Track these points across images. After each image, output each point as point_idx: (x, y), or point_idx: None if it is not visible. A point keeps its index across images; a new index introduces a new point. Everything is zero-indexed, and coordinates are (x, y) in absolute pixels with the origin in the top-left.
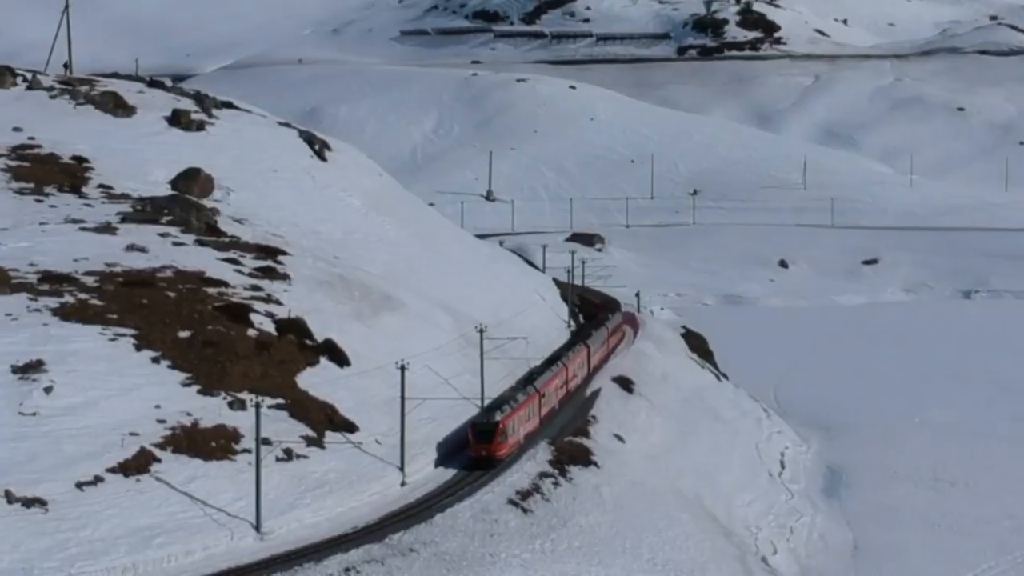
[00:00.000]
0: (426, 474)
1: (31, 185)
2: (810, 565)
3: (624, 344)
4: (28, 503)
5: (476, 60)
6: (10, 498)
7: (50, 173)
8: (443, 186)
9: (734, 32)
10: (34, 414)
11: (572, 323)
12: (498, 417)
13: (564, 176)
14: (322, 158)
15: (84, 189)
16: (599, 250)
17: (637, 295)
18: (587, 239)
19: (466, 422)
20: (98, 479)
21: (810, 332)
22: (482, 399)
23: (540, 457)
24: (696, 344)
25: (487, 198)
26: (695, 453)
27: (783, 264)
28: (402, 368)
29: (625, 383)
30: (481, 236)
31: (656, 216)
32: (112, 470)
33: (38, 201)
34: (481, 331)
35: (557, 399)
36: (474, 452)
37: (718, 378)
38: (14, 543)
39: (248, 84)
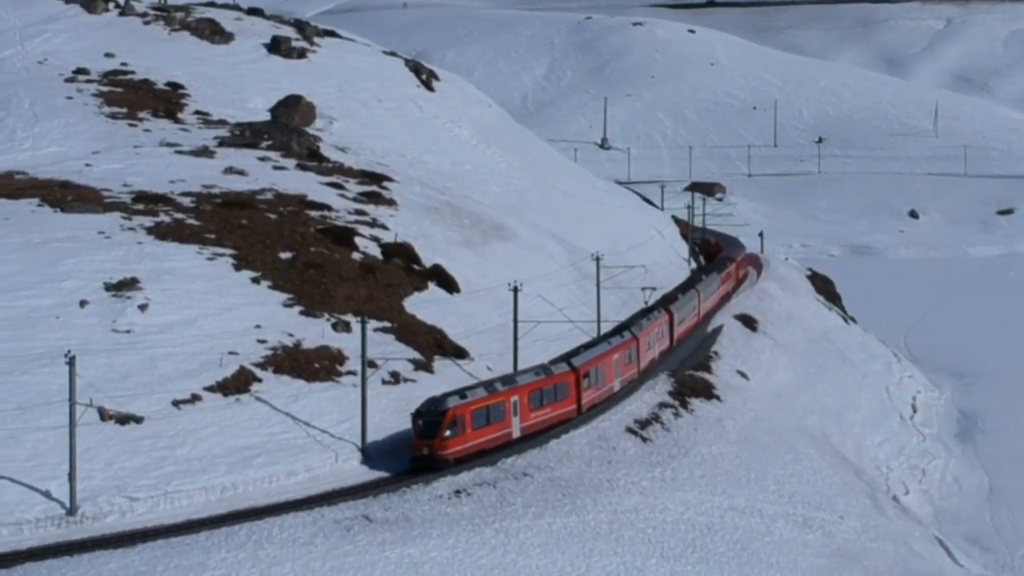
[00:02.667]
0: None
1: (124, 110)
2: (943, 507)
3: (747, 283)
4: (122, 420)
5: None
6: (103, 415)
7: (144, 99)
8: (555, 134)
9: None
10: (128, 331)
11: (692, 261)
12: (449, 404)
13: (683, 123)
14: (429, 88)
15: (179, 115)
16: (720, 199)
17: (760, 235)
18: (707, 188)
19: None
20: (195, 397)
21: (942, 283)
22: (598, 327)
23: (660, 388)
24: (822, 287)
25: (602, 146)
26: (822, 393)
27: (913, 214)
28: (515, 290)
29: (749, 321)
30: None
31: (779, 165)
32: (210, 389)
33: (131, 126)
34: (598, 258)
35: (618, 379)
36: (415, 449)
37: (846, 321)
38: (107, 460)
39: (350, 28)
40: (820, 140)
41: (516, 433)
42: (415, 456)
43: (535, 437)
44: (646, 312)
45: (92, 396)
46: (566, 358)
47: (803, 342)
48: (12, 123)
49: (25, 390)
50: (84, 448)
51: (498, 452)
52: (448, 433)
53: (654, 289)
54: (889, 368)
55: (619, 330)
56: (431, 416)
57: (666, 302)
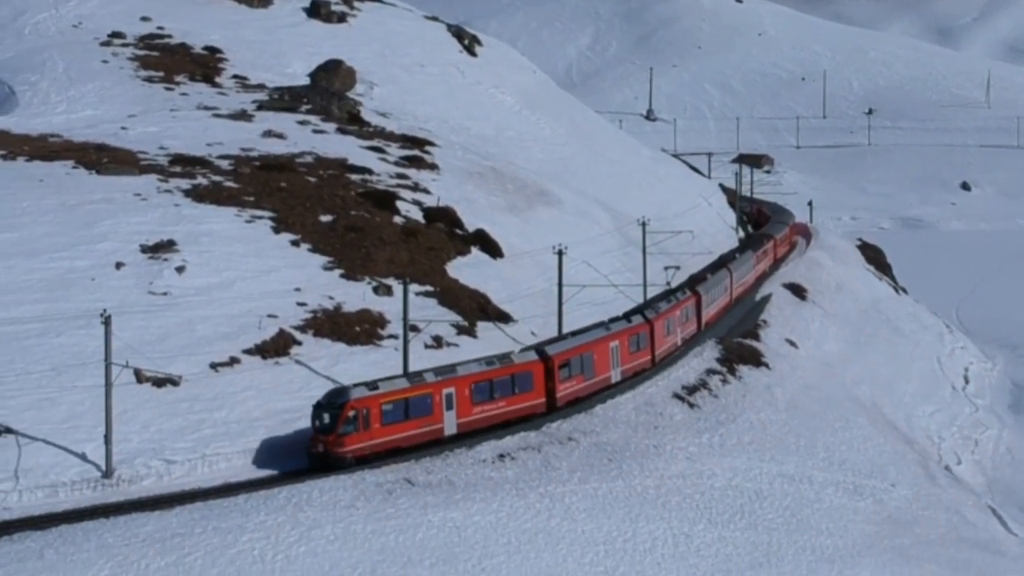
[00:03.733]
0: None
1: (160, 74)
2: (996, 477)
3: (796, 253)
4: (159, 383)
5: None
6: (139, 378)
7: (181, 63)
8: (600, 105)
9: None
10: (165, 294)
11: (739, 230)
12: (351, 396)
13: (730, 94)
14: (472, 53)
15: (217, 79)
16: (767, 172)
17: (810, 204)
18: (755, 160)
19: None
20: (234, 360)
21: (994, 255)
22: (644, 292)
23: (707, 355)
24: (872, 256)
25: (647, 118)
26: (873, 363)
27: (965, 187)
28: (559, 253)
29: (797, 290)
30: None
31: (829, 137)
32: (249, 351)
33: (168, 89)
34: (643, 223)
35: (618, 369)
36: (311, 444)
37: (897, 291)
38: (144, 423)
39: None
40: (870, 111)
41: (451, 430)
42: (310, 452)
43: (483, 434)
44: (669, 294)
45: (128, 358)
46: (542, 345)
47: (853, 312)
48: (46, 86)
49: (60, 352)
50: (120, 410)
51: (423, 451)
52: (348, 429)
53: (678, 268)
54: (941, 339)
55: (631, 314)
56: (329, 409)
57: (694, 283)
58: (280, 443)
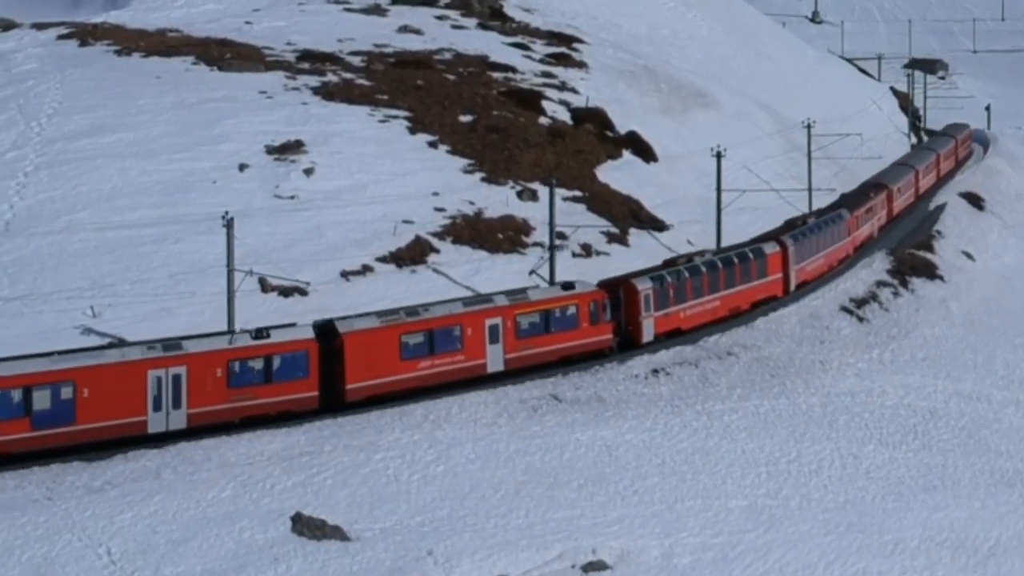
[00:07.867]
0: None
1: None
2: None
3: (972, 160)
4: (286, 292)
5: None
6: (264, 286)
7: None
8: (761, 7)
9: None
10: (292, 197)
11: (913, 136)
12: None
13: None
14: None
15: None
16: (941, 78)
17: (987, 109)
18: (928, 65)
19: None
20: (366, 268)
21: None
22: (810, 201)
23: (877, 266)
24: None
25: (813, 20)
26: None
27: None
28: (718, 155)
29: (974, 199)
30: None
31: (1008, 40)
32: (383, 259)
33: None
34: (808, 126)
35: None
36: None
37: None
38: None
39: None
40: None
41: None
42: None
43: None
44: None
45: (252, 265)
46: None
47: None
48: None
49: (179, 259)
50: (243, 321)
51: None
52: None
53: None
54: None
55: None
56: None
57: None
58: None
